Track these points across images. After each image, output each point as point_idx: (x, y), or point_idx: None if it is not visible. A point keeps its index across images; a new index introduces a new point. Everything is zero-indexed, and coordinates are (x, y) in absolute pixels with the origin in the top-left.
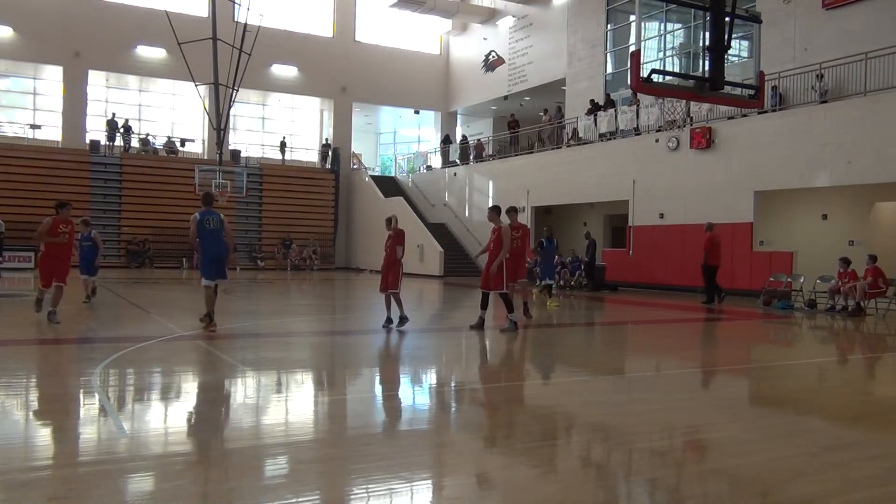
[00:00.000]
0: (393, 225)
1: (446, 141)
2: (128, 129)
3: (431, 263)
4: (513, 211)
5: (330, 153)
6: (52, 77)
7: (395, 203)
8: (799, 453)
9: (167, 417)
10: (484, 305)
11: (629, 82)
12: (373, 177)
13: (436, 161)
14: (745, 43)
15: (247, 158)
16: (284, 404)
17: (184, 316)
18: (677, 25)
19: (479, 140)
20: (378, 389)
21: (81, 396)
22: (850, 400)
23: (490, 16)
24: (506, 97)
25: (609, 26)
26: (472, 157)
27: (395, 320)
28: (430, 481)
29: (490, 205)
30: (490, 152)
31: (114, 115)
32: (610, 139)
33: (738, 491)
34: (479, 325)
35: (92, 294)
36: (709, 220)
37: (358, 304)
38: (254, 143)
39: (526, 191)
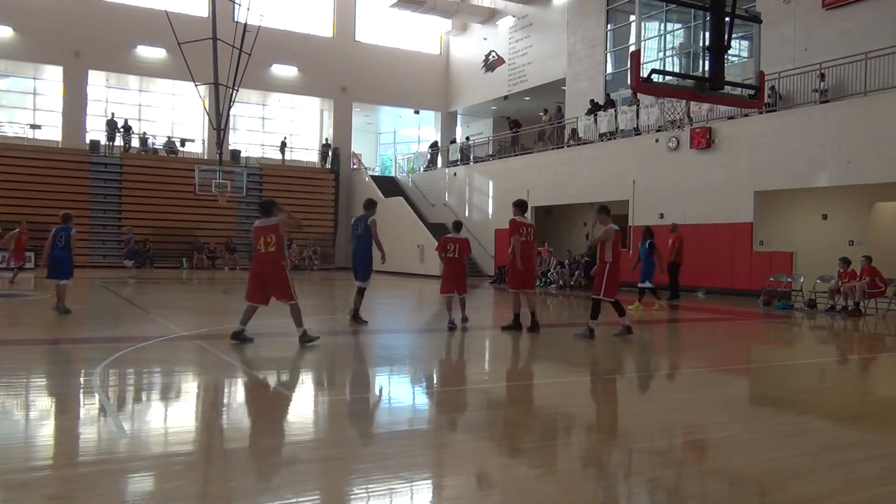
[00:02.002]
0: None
1: (434, 146)
2: (128, 129)
3: (431, 263)
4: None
5: (330, 153)
6: (52, 77)
7: (395, 203)
8: (799, 453)
9: (167, 417)
10: (594, 314)
11: (629, 82)
12: (373, 177)
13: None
14: (745, 43)
15: (247, 158)
16: (284, 404)
17: (184, 316)
18: (677, 25)
19: (469, 143)
20: (378, 389)
21: (81, 396)
22: (850, 400)
23: (490, 16)
24: (506, 97)
25: (609, 26)
26: (465, 159)
27: (458, 322)
28: (430, 481)
29: (600, 205)
30: (490, 152)
31: (113, 114)
32: (610, 139)
33: (738, 491)
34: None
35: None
36: (673, 222)
37: None
38: (254, 143)
39: (526, 191)
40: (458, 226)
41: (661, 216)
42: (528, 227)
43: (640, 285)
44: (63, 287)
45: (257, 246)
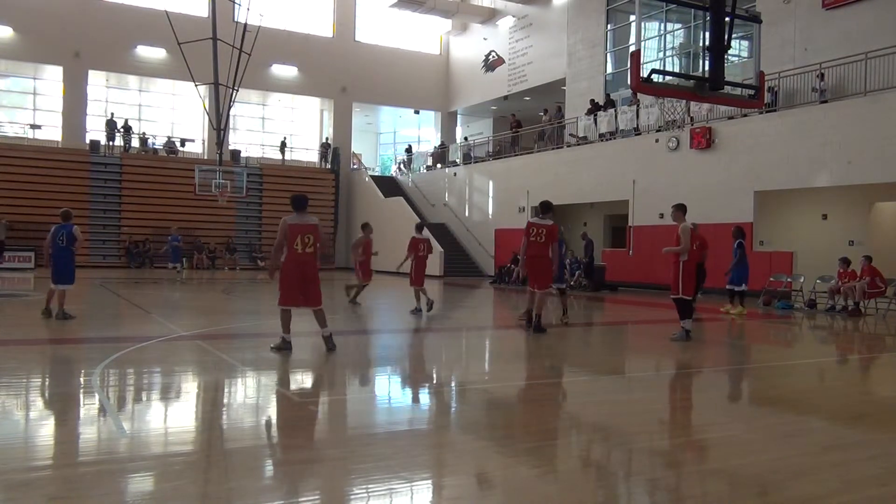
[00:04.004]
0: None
1: (409, 150)
2: (128, 129)
3: (431, 264)
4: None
5: (330, 153)
6: (52, 77)
7: (395, 203)
8: (799, 453)
9: (167, 417)
10: (682, 315)
11: (629, 82)
12: (373, 177)
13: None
14: (745, 43)
15: (247, 158)
16: (284, 404)
17: (184, 316)
18: (677, 25)
19: (467, 145)
20: (378, 389)
21: (81, 396)
22: (850, 400)
23: (490, 16)
24: (506, 97)
25: (609, 26)
26: (444, 164)
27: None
28: (430, 481)
29: (676, 203)
30: (490, 152)
31: (113, 114)
32: (610, 139)
33: (738, 491)
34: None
35: (50, 311)
36: (694, 222)
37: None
38: (254, 143)
39: (526, 191)
40: (420, 227)
41: (661, 216)
42: (539, 227)
43: (735, 288)
44: (62, 292)
45: (293, 245)
